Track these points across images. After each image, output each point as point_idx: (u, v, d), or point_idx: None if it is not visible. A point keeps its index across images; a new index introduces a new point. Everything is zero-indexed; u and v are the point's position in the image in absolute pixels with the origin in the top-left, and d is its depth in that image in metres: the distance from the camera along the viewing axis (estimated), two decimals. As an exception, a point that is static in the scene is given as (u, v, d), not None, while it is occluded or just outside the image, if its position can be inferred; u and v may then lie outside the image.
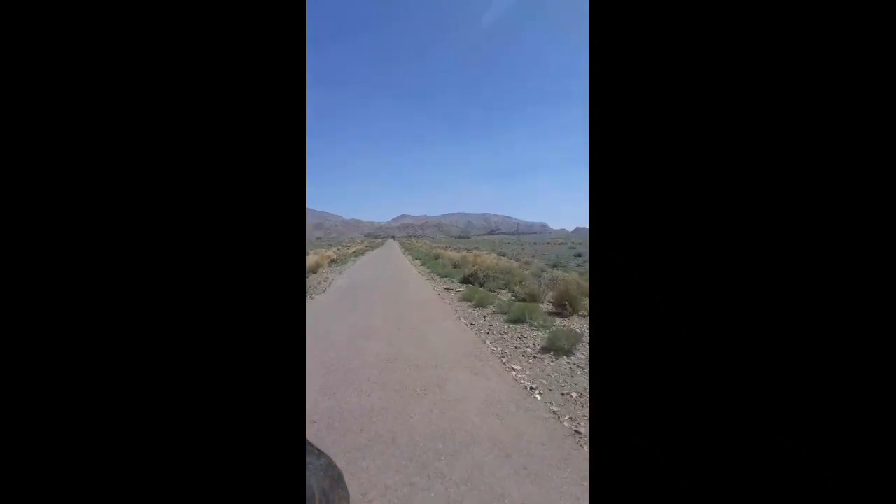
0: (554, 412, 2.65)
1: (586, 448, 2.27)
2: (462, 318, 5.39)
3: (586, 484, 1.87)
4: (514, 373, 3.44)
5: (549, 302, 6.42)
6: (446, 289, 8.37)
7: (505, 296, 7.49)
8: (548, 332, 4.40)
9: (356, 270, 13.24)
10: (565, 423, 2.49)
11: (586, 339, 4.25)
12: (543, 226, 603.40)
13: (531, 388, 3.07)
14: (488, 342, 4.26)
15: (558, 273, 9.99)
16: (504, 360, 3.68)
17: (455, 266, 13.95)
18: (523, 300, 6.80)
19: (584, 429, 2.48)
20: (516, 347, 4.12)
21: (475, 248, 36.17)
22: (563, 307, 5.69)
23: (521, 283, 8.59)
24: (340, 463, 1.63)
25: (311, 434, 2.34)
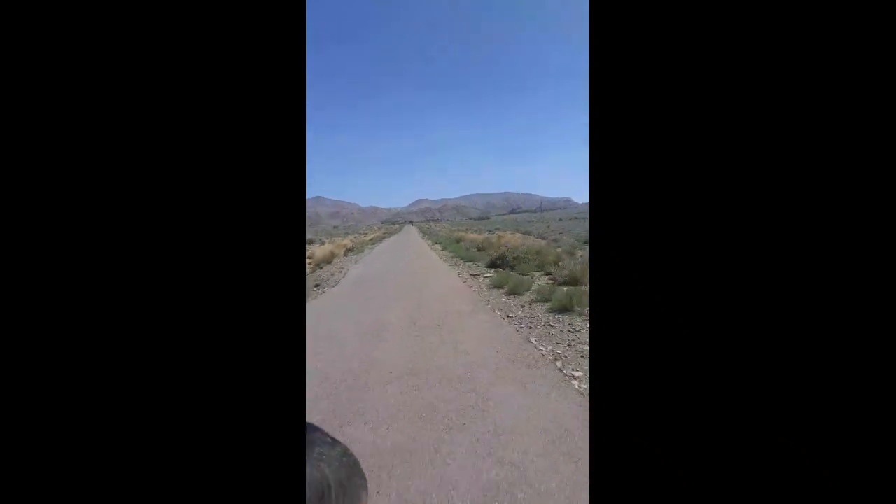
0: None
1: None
2: (496, 310, 4.55)
3: None
4: (576, 383, 2.60)
5: (596, 284, 5.50)
6: (472, 275, 7.55)
7: (541, 279, 6.61)
8: (608, 324, 3.52)
9: (373, 258, 12.57)
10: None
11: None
12: (568, 200, 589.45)
13: (609, 411, 2.22)
14: (533, 339, 3.43)
15: (596, 250, 8.91)
16: (559, 365, 2.85)
17: (479, 249, 13.08)
18: (564, 284, 5.92)
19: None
20: (570, 345, 3.27)
21: (497, 229, 35.06)
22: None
23: (556, 263, 7.68)
24: None
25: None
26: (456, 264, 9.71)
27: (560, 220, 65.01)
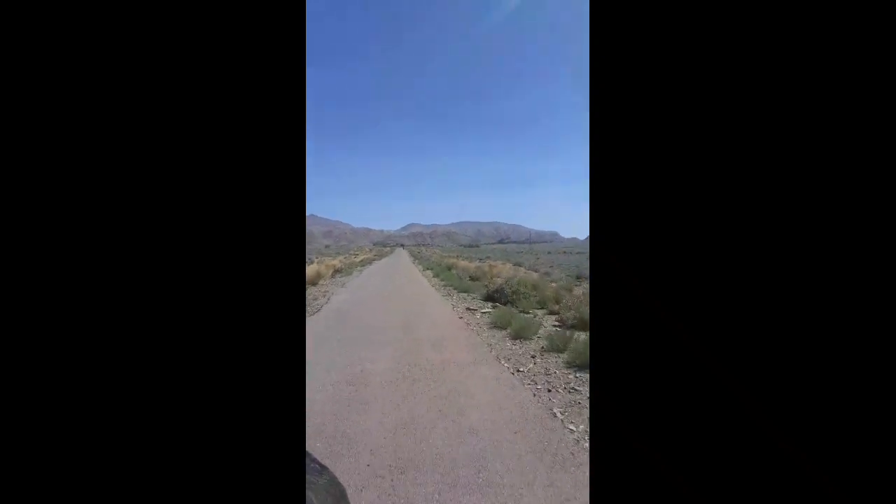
0: None
1: None
2: (503, 360, 3.78)
3: None
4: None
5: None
6: (469, 309, 6.78)
7: (546, 320, 5.88)
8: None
9: (361, 283, 11.71)
10: None
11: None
12: (554, 234, 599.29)
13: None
14: (558, 412, 2.65)
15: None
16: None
17: (472, 278, 12.36)
18: (573, 327, 5.21)
19: None
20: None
21: (487, 258, 34.51)
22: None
23: (557, 300, 6.99)
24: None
25: None
26: (449, 294, 8.94)
27: (549, 253, 65.12)
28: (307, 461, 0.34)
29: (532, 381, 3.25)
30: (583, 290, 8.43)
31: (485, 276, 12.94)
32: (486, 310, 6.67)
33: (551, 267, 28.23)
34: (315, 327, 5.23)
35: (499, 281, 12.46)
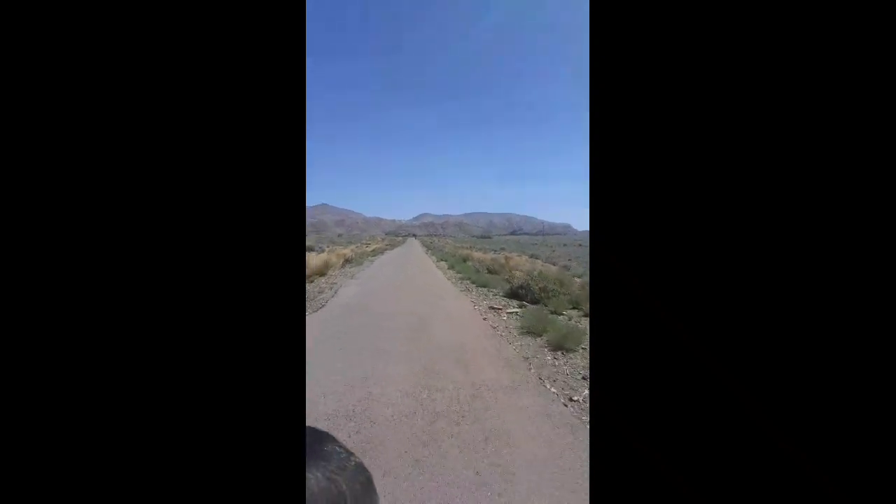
0: None
1: None
2: (548, 383, 2.94)
3: None
4: None
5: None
6: (493, 308, 5.94)
7: (584, 323, 5.01)
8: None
9: (372, 274, 10.97)
10: None
11: None
12: (567, 227, 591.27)
13: None
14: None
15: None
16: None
17: (490, 271, 11.51)
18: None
19: None
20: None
21: (502, 249, 33.52)
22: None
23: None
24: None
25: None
26: (467, 289, 8.11)
27: (565, 245, 63.55)
28: (334, 447, 0.34)
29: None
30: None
31: (503, 269, 12.07)
32: (513, 309, 5.82)
33: (569, 260, 27.10)
34: (316, 329, 4.47)
35: (519, 274, 11.60)
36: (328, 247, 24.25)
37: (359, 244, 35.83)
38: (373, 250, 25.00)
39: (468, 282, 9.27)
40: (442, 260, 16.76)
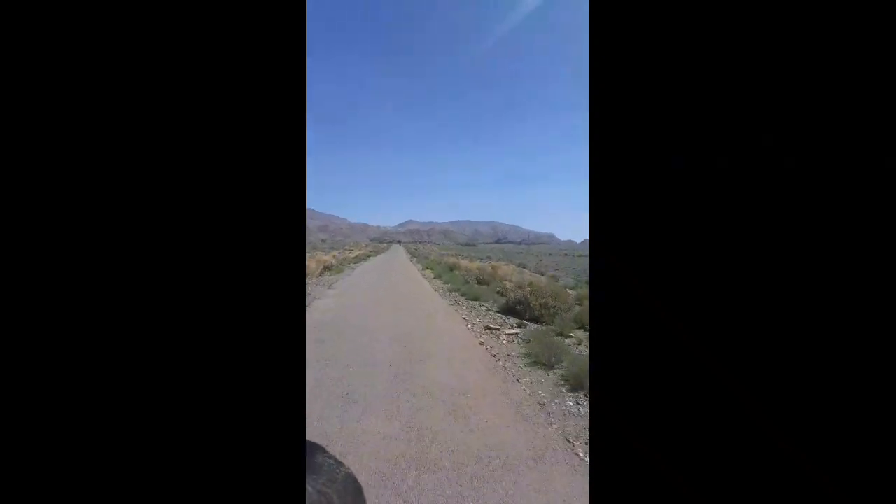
0: None
1: None
2: (581, 449, 2.14)
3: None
4: None
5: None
6: (489, 328, 5.14)
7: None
8: None
9: (352, 283, 10.03)
10: None
11: None
12: (551, 236, 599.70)
13: None
14: None
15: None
16: None
17: (480, 282, 10.72)
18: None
19: None
20: None
21: (488, 258, 32.89)
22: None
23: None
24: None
25: None
26: (457, 302, 7.30)
27: (550, 255, 63.58)
28: (324, 457, 0.35)
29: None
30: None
31: (493, 280, 11.32)
32: (512, 330, 5.04)
33: (557, 270, 26.64)
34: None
35: (509, 285, 10.87)
36: (309, 252, 23.09)
37: (342, 250, 34.61)
38: (356, 257, 23.92)
39: (457, 294, 8.45)
40: (428, 268, 15.90)
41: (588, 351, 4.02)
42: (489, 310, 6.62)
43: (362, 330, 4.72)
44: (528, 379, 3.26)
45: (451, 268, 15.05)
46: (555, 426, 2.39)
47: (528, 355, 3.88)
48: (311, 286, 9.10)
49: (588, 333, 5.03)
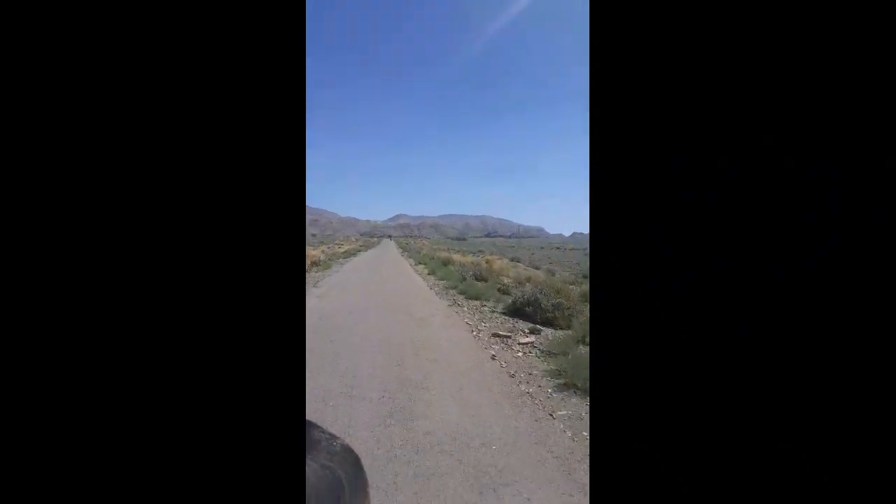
0: None
1: None
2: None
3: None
4: None
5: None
6: (497, 335, 4.35)
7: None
8: None
9: (339, 282, 9.15)
10: None
11: None
12: (540, 230, 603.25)
13: None
14: None
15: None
16: None
17: (478, 278, 9.94)
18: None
19: None
20: None
21: (480, 252, 32.13)
22: None
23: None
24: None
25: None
26: (455, 302, 6.50)
27: (542, 248, 63.18)
28: (318, 433, 0.35)
29: None
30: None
31: (492, 276, 10.56)
32: (526, 338, 4.25)
33: (551, 263, 26.03)
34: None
35: (507, 281, 10.13)
36: (295, 247, 21.94)
37: (331, 244, 33.48)
38: (345, 251, 22.93)
39: (455, 292, 7.65)
40: (420, 263, 15.07)
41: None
42: (493, 311, 5.84)
43: (348, 342, 3.88)
44: (563, 412, 2.48)
45: (445, 263, 14.24)
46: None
47: (553, 374, 3.11)
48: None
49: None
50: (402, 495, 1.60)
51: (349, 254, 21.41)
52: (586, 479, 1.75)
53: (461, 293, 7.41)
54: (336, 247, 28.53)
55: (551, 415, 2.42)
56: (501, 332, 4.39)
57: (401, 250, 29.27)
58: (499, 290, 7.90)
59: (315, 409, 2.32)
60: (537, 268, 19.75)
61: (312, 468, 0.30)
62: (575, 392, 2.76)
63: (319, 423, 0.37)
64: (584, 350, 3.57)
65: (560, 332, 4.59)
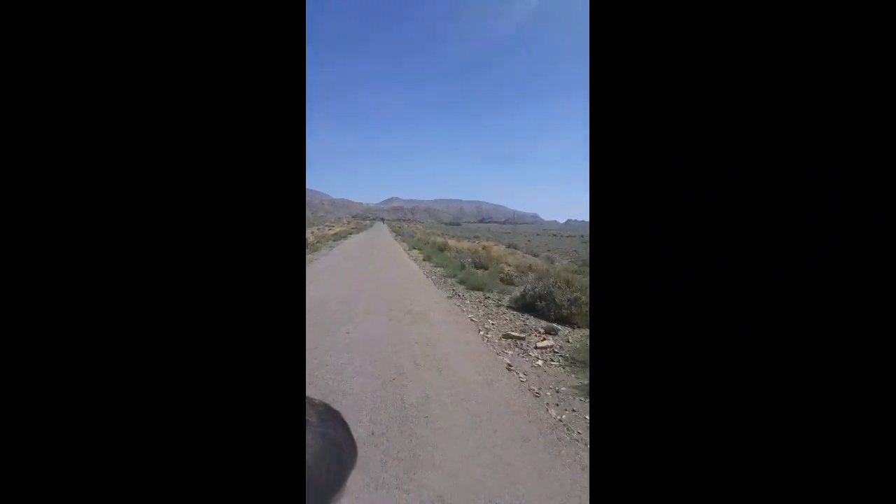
0: None
1: None
2: None
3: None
4: None
5: None
6: (510, 336, 3.69)
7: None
8: None
9: (327, 266, 8.41)
10: None
11: None
12: (535, 216, 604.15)
13: None
14: None
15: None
16: None
17: (477, 266, 9.28)
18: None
19: None
20: None
21: (475, 237, 31.44)
22: None
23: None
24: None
25: None
26: (456, 293, 5.84)
27: (538, 234, 62.69)
28: (307, 405, 0.34)
29: None
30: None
31: (491, 263, 9.90)
32: (544, 342, 3.61)
33: (549, 250, 25.48)
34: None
35: (508, 269, 9.51)
36: (283, 228, 21.01)
37: (322, 226, 32.46)
38: (335, 234, 22.06)
39: (454, 281, 6.98)
40: (414, 248, 14.35)
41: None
42: (499, 304, 5.19)
43: (331, 348, 3.19)
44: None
45: (441, 248, 13.54)
46: None
47: (586, 391, 2.47)
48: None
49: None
50: None
51: (339, 236, 20.56)
52: None
53: (461, 283, 6.75)
54: (326, 229, 27.56)
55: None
56: (514, 333, 3.74)
57: (394, 234, 28.43)
58: (501, 279, 7.26)
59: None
60: (535, 255, 19.18)
61: (313, 436, 0.31)
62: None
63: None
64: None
65: (579, 333, 3.96)
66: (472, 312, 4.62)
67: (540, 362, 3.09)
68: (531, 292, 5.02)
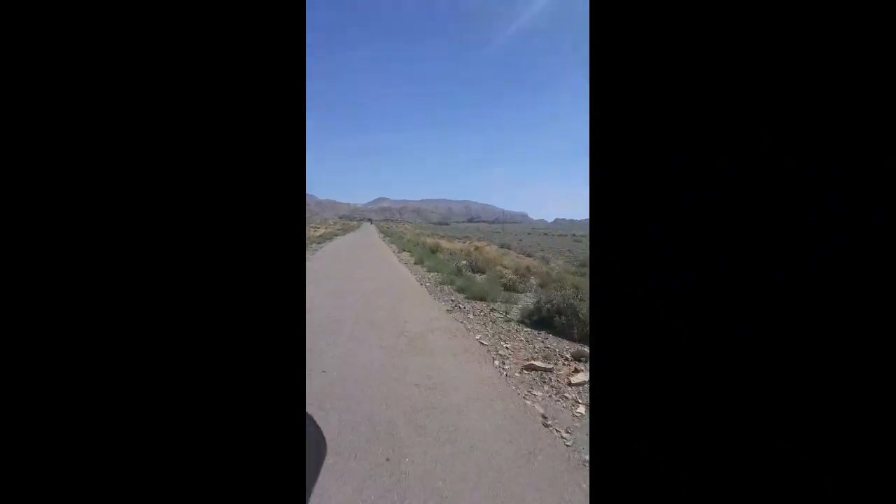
0: None
1: None
2: None
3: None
4: None
5: None
6: (533, 367, 2.89)
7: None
8: None
9: (308, 273, 7.48)
10: None
11: None
12: (524, 215, 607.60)
13: None
14: None
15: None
16: None
17: (474, 269, 8.48)
18: None
19: None
20: None
21: (465, 237, 30.64)
22: None
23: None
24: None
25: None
26: (456, 305, 5.03)
27: (528, 234, 62.26)
28: None
29: None
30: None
31: (489, 266, 9.14)
32: (579, 374, 2.83)
33: (542, 250, 24.81)
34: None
35: (508, 273, 8.77)
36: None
37: (307, 227, 31.16)
38: (321, 235, 21.01)
39: (451, 288, 6.16)
40: (405, 250, 13.49)
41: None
42: (507, 318, 4.41)
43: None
44: None
45: (433, 250, 12.71)
46: None
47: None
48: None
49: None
50: None
51: (324, 238, 19.54)
52: None
53: (459, 291, 5.94)
54: (311, 230, 26.39)
55: None
56: (538, 364, 2.95)
57: (382, 235, 27.44)
58: (504, 286, 6.49)
59: None
60: (529, 255, 18.50)
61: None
62: None
63: None
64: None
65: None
66: (479, 331, 3.82)
67: (582, 409, 2.31)
68: (547, 305, 4.25)
